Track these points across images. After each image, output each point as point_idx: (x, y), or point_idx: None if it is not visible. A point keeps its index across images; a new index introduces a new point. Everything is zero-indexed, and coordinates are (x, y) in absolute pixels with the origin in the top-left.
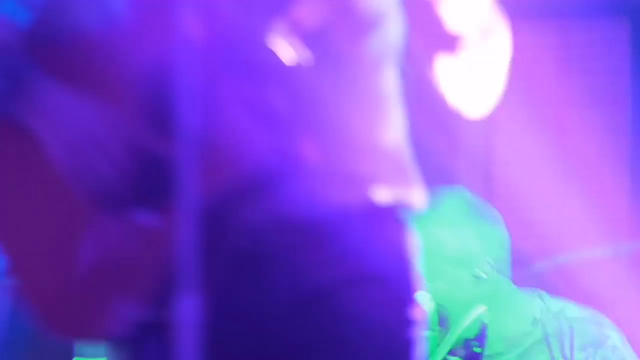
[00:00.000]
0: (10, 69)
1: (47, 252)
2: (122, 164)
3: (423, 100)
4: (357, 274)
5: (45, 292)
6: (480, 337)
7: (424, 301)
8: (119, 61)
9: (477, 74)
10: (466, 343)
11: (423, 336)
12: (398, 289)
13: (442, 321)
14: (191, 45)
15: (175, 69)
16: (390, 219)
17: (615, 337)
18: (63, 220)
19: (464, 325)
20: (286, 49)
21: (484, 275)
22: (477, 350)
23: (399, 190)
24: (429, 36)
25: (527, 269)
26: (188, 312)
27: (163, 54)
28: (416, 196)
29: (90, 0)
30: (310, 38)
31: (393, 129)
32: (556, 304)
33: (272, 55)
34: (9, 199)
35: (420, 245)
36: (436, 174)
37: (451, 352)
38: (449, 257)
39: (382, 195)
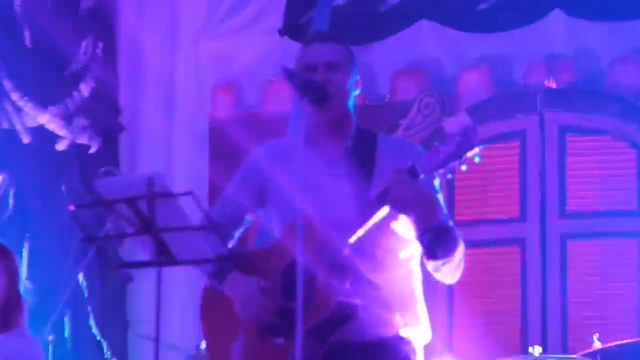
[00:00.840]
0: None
1: (225, 348)
2: (269, 316)
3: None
4: None
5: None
6: None
7: None
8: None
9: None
10: None
11: None
12: None
13: None
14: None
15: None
16: (405, 343)
17: None
18: (240, 335)
19: None
20: None
21: None
22: None
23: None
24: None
25: None
26: None
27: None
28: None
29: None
30: None
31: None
32: None
33: None
34: (218, 324)
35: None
36: None
37: None
38: None
39: (405, 331)
